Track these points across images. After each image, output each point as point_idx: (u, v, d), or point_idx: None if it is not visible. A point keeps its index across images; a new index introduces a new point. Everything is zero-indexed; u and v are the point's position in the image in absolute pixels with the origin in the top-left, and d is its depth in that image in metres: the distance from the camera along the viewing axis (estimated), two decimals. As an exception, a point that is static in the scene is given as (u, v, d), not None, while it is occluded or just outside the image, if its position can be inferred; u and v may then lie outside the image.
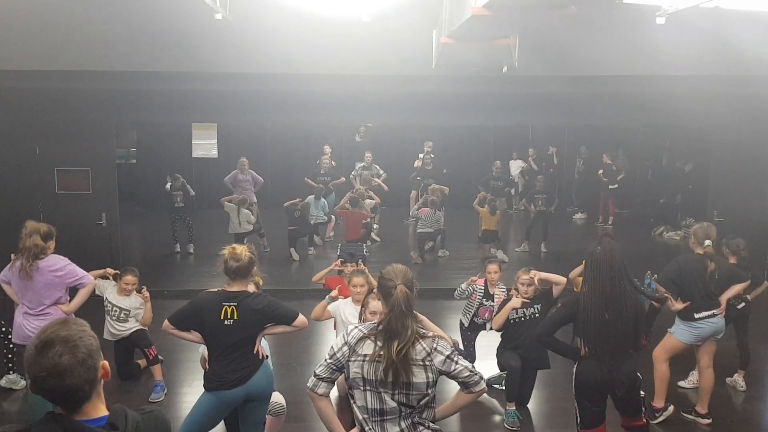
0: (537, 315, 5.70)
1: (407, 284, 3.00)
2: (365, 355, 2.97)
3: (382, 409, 2.99)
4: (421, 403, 3.01)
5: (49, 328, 1.95)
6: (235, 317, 4.04)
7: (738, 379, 6.38)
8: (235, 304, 4.05)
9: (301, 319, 4.16)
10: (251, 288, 5.82)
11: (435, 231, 11.40)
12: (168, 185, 11.92)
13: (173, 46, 7.45)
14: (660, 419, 5.58)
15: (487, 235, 11.44)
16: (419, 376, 2.95)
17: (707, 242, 5.41)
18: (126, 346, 6.37)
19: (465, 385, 3.11)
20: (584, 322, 4.06)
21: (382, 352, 2.93)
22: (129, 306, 6.29)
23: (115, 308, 6.25)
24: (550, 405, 6.04)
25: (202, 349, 4.55)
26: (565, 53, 7.57)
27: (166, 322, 4.15)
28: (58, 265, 5.15)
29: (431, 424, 3.11)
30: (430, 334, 3.04)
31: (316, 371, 3.11)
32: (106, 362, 2.04)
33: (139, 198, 16.08)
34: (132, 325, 6.30)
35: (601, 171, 14.60)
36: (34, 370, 1.89)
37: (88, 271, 5.35)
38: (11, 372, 6.23)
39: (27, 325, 5.13)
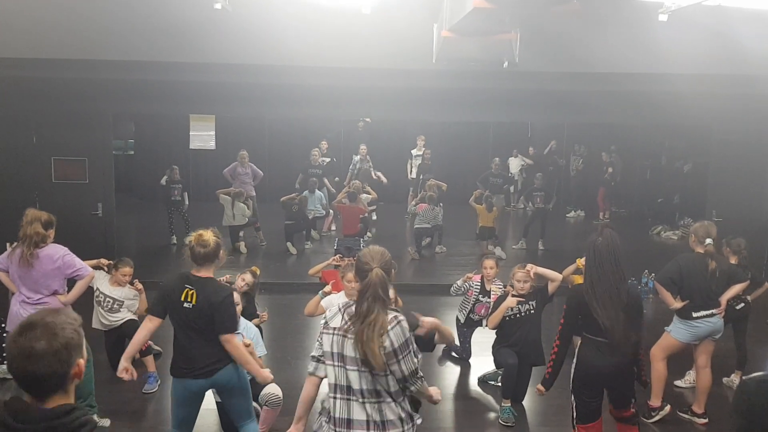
0: (532, 312, 5.66)
1: (384, 267, 2.99)
2: (333, 328, 3.02)
3: (349, 387, 3.00)
4: (386, 388, 2.98)
5: (39, 312, 1.97)
6: (194, 302, 3.99)
7: (735, 380, 6.35)
8: (195, 288, 3.99)
9: (229, 338, 4.00)
10: (247, 276, 5.79)
11: (432, 227, 11.37)
12: (164, 179, 11.89)
13: (172, 36, 7.39)
14: (656, 418, 5.55)
15: (485, 231, 11.41)
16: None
17: (708, 241, 5.35)
18: (117, 336, 6.31)
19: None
20: (586, 311, 4.07)
21: (349, 328, 2.96)
22: (122, 296, 6.24)
23: (107, 299, 6.20)
24: (545, 402, 5.99)
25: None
26: (566, 49, 7.53)
27: (148, 317, 4.13)
28: (57, 254, 5.10)
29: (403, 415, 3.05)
30: (392, 315, 2.98)
31: (313, 353, 3.18)
32: (82, 361, 1.99)
33: (136, 189, 16.03)
34: (124, 316, 6.25)
35: (610, 169, 14.68)
36: (9, 347, 1.90)
37: (83, 260, 5.31)
38: (3, 363, 6.20)
39: (24, 314, 5.05)
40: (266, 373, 4.30)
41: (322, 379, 3.17)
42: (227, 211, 11.19)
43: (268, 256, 11.05)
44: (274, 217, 12.04)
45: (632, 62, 7.59)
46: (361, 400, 2.99)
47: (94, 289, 6.19)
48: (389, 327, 2.92)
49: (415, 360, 3.02)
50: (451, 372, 6.77)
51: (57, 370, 1.89)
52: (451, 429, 5.47)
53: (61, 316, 1.96)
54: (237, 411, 4.30)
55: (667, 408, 5.59)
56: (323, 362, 3.11)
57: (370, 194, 12.28)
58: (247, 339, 4.44)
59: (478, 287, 6.58)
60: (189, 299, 3.98)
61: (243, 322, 4.89)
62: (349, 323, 2.98)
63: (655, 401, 5.58)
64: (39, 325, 1.89)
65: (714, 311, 5.39)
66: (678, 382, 6.31)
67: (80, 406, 1.99)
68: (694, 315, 5.38)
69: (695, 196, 12.75)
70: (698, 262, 5.39)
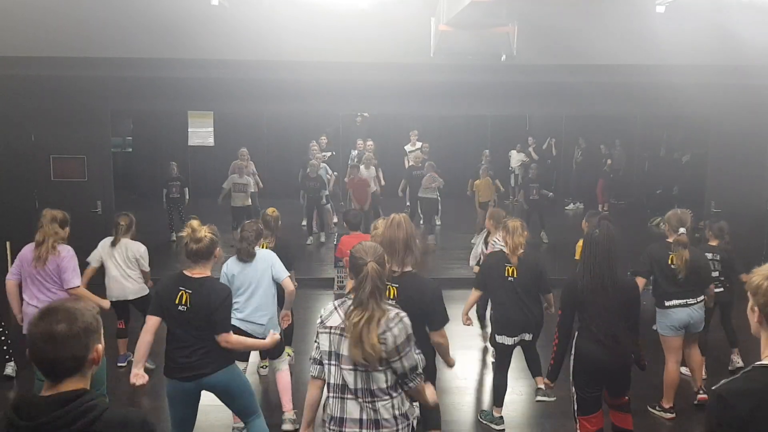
0: None
1: (378, 261, 3.02)
2: (330, 327, 3.03)
3: (344, 386, 3.01)
4: (381, 386, 2.98)
5: (59, 300, 2.10)
6: (188, 305, 3.84)
7: (734, 358, 6.37)
8: (190, 291, 3.85)
9: (226, 337, 3.92)
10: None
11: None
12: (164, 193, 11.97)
13: (169, 33, 7.38)
14: (655, 412, 5.55)
15: (486, 206, 11.39)
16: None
17: (681, 230, 5.26)
18: (126, 306, 6.43)
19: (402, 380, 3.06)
20: (582, 302, 4.14)
21: (348, 327, 2.94)
22: (133, 255, 6.37)
23: (118, 260, 6.32)
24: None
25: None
26: (564, 42, 7.51)
27: (147, 318, 4.01)
28: (61, 255, 5.11)
29: (398, 416, 3.04)
30: (394, 312, 3.00)
31: (313, 355, 3.17)
32: (100, 346, 2.04)
33: (135, 186, 16.02)
34: (140, 285, 6.34)
35: (609, 161, 14.68)
36: (31, 332, 1.96)
37: (83, 260, 5.33)
38: (11, 360, 6.30)
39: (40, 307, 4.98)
40: (268, 341, 4.18)
41: (325, 381, 3.13)
42: (231, 191, 11.08)
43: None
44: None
45: (630, 54, 7.57)
46: (356, 399, 2.99)
47: (104, 261, 6.27)
48: (392, 324, 2.93)
49: (416, 357, 3.06)
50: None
51: (76, 354, 1.95)
52: (451, 422, 5.48)
53: (81, 302, 2.06)
54: (240, 410, 4.27)
55: (669, 416, 5.53)
56: (323, 364, 3.09)
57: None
58: (276, 334, 4.26)
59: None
60: (183, 302, 3.83)
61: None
62: (347, 321, 2.97)
63: (666, 403, 5.56)
64: (60, 309, 1.97)
65: (689, 300, 5.32)
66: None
67: (90, 390, 2.02)
68: (666, 304, 5.36)
69: (694, 187, 12.73)
70: (661, 249, 5.39)
